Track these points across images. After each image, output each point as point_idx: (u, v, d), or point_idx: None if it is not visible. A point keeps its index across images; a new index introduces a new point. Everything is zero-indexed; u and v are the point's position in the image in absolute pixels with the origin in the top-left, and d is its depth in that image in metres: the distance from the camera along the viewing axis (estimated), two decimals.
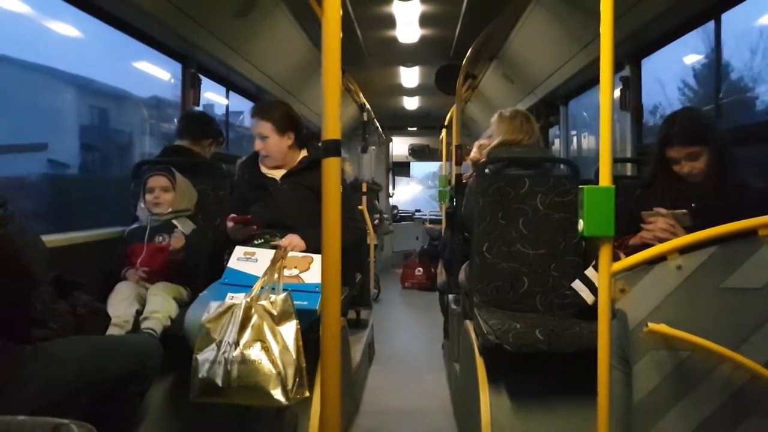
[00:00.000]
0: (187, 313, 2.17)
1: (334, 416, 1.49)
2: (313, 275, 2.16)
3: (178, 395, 2.24)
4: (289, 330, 1.89)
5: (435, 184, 11.31)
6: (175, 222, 2.63)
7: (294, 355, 1.87)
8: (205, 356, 1.86)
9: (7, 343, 1.56)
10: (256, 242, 2.37)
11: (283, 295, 1.93)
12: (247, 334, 1.87)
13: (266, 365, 1.83)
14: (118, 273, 2.52)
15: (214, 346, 1.87)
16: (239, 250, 2.24)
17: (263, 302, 1.91)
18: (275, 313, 1.90)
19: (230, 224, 2.41)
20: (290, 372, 1.84)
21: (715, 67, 2.99)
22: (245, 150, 5.16)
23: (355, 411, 3.24)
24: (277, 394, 1.82)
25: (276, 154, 2.53)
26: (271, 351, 1.85)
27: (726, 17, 2.82)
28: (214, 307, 1.94)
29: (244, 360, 1.83)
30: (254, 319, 1.88)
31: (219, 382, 1.83)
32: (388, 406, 3.42)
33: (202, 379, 1.84)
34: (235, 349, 1.84)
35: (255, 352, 1.84)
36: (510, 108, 3.01)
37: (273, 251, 2.11)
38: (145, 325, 2.24)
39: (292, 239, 2.32)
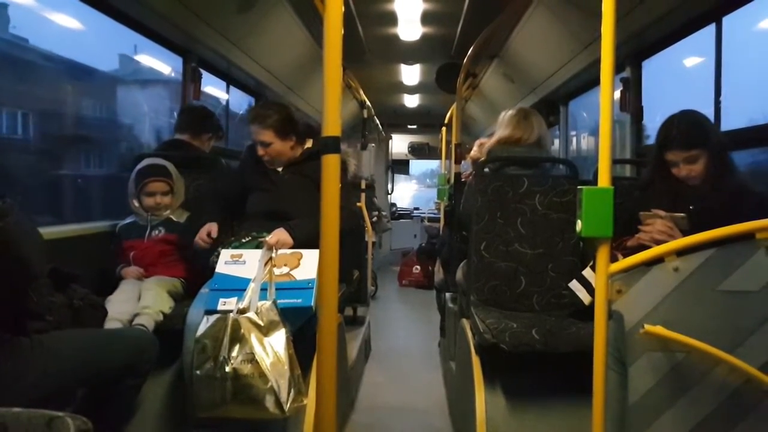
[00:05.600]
0: (188, 313, 2.17)
1: (329, 413, 1.49)
2: (303, 271, 2.11)
3: (173, 389, 2.24)
4: (279, 339, 1.89)
5: (433, 182, 11.29)
6: (172, 217, 2.67)
7: (286, 365, 1.86)
8: (204, 372, 1.87)
9: (4, 335, 1.56)
10: (243, 241, 2.35)
11: (267, 304, 1.92)
12: (237, 350, 1.86)
13: (258, 380, 1.83)
14: (113, 269, 2.53)
15: (210, 361, 1.87)
16: (225, 254, 2.19)
17: (249, 314, 1.90)
18: (262, 324, 1.89)
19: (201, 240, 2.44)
20: (283, 383, 1.84)
21: (715, 70, 2.98)
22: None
23: (351, 408, 3.24)
24: (272, 407, 1.83)
25: (279, 157, 2.55)
26: (261, 364, 1.84)
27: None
28: (206, 321, 1.93)
29: (236, 376, 1.84)
30: (242, 333, 1.87)
31: (218, 398, 1.84)
32: (383, 403, 3.43)
33: (203, 395, 1.86)
34: (228, 365, 1.85)
35: (246, 368, 1.84)
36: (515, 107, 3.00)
37: (260, 251, 2.08)
38: (137, 321, 2.24)
39: (279, 236, 2.27)
